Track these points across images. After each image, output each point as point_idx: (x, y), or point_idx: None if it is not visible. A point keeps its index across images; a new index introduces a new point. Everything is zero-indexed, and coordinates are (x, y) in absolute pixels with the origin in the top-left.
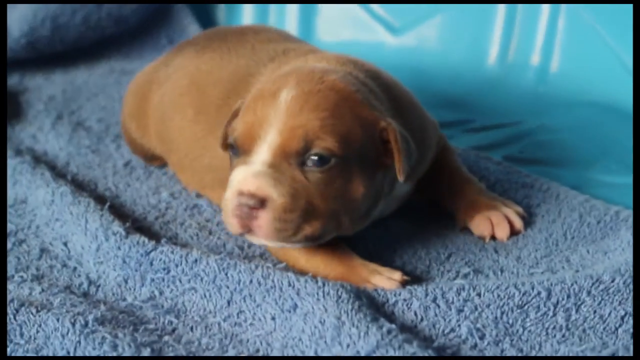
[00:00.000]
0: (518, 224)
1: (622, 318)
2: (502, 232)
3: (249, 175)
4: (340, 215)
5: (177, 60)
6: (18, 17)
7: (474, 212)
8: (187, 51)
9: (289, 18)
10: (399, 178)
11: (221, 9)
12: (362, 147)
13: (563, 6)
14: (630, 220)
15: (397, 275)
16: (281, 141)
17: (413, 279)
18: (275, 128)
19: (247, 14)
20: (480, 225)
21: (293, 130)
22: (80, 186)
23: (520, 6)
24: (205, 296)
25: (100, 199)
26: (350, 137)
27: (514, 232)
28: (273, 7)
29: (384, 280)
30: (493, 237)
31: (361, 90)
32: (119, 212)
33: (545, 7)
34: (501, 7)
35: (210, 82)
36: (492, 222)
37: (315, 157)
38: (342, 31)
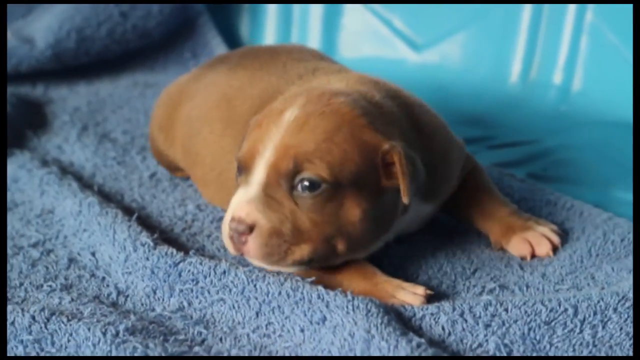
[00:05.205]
0: (556, 240)
1: None
2: (544, 250)
3: (242, 201)
4: (334, 239)
5: (209, 76)
6: (44, 29)
7: (511, 234)
8: (220, 68)
9: (312, 34)
10: (404, 200)
11: (245, 25)
12: (359, 171)
13: (586, 25)
14: None
15: (421, 290)
16: (274, 159)
17: (439, 294)
18: (272, 145)
19: (270, 30)
20: (518, 246)
21: (286, 149)
22: (106, 197)
23: (543, 24)
24: (234, 307)
25: (127, 210)
26: (346, 162)
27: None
28: (296, 23)
29: (408, 295)
30: (533, 256)
31: (369, 113)
32: (146, 223)
33: (568, 26)
34: (524, 25)
35: (240, 97)
36: (531, 242)
37: (306, 183)
38: (364, 47)
